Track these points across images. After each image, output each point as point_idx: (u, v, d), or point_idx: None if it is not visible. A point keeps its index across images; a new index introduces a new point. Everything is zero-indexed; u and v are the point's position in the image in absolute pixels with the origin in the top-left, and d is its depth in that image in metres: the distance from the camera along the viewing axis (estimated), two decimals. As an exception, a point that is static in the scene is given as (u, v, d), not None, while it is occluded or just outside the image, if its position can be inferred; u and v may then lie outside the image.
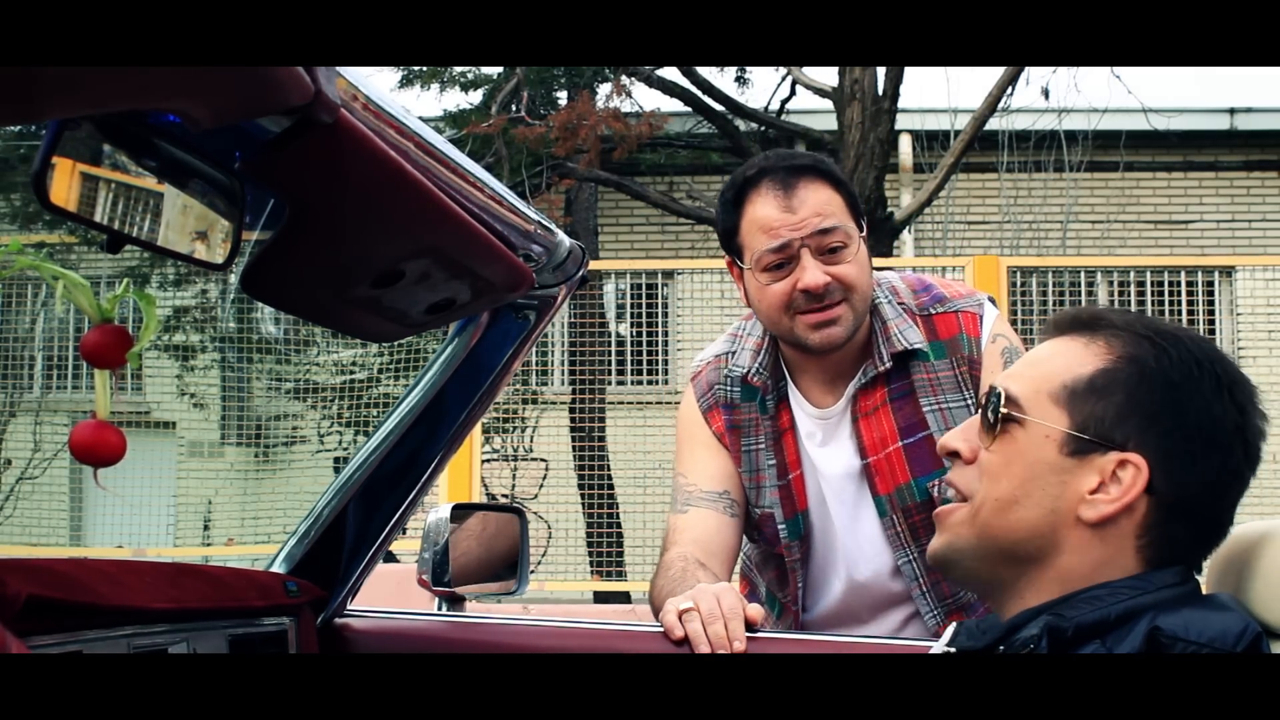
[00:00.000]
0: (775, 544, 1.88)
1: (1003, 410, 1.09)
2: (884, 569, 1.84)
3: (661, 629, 1.57)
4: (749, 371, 1.87)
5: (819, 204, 1.74)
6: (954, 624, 1.22)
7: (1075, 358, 1.09)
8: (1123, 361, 1.07)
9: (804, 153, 1.86)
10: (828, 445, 1.85)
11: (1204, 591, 1.10)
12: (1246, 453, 1.05)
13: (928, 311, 1.83)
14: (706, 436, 1.89)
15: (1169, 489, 1.04)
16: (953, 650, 1.18)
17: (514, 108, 8.68)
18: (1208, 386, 1.05)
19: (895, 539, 1.82)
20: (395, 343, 6.38)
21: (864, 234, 1.79)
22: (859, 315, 1.78)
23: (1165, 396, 1.05)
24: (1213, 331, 6.73)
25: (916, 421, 1.81)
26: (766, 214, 1.74)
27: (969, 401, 1.80)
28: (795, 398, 1.87)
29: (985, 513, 1.09)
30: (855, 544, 1.85)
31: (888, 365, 1.80)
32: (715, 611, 1.52)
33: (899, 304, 1.84)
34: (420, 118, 1.09)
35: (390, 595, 2.28)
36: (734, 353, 1.91)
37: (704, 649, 1.50)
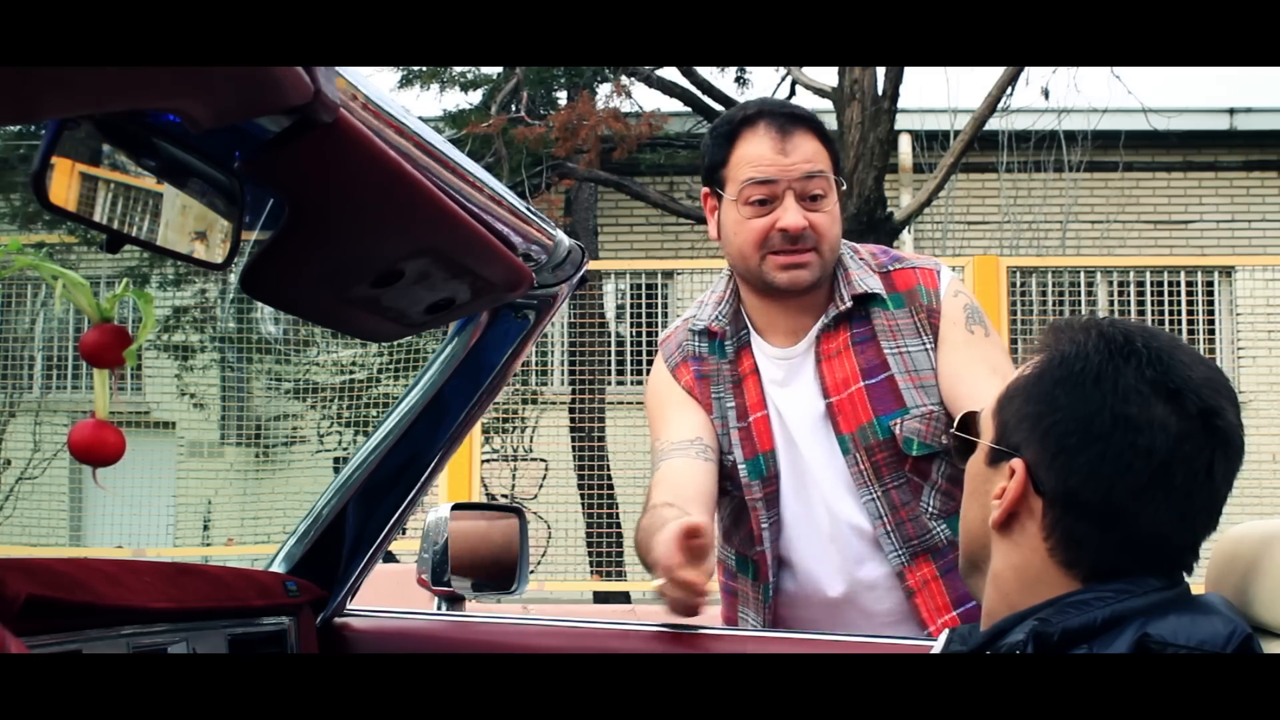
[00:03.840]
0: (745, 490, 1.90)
1: (953, 431, 1.20)
2: (856, 509, 1.87)
3: (659, 628, 1.58)
4: (710, 320, 1.94)
5: (810, 152, 1.84)
6: (947, 630, 1.23)
7: (1019, 370, 1.13)
8: (1030, 367, 1.10)
9: (797, 105, 1.96)
10: (789, 386, 1.90)
11: (1202, 592, 1.09)
12: (1134, 443, 1.02)
13: (886, 269, 1.93)
14: (678, 395, 1.94)
15: (1053, 485, 1.05)
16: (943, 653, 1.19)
17: (514, 108, 8.68)
18: (1089, 378, 1.04)
19: (859, 477, 1.85)
20: (395, 343, 6.38)
21: (842, 190, 1.89)
22: (825, 264, 1.86)
23: (1049, 393, 1.07)
24: (1213, 331, 6.74)
25: (878, 363, 1.87)
26: (760, 151, 1.83)
27: (928, 346, 1.87)
28: (757, 342, 1.93)
29: (960, 531, 1.19)
30: (831, 484, 1.87)
31: (849, 304, 1.88)
32: (667, 560, 1.53)
33: (859, 259, 1.94)
34: (420, 118, 1.09)
35: (390, 595, 2.28)
36: (696, 314, 1.98)
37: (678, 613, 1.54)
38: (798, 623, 1.88)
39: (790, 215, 1.81)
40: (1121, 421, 1.02)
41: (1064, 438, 1.04)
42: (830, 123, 8.20)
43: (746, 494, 1.89)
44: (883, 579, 1.86)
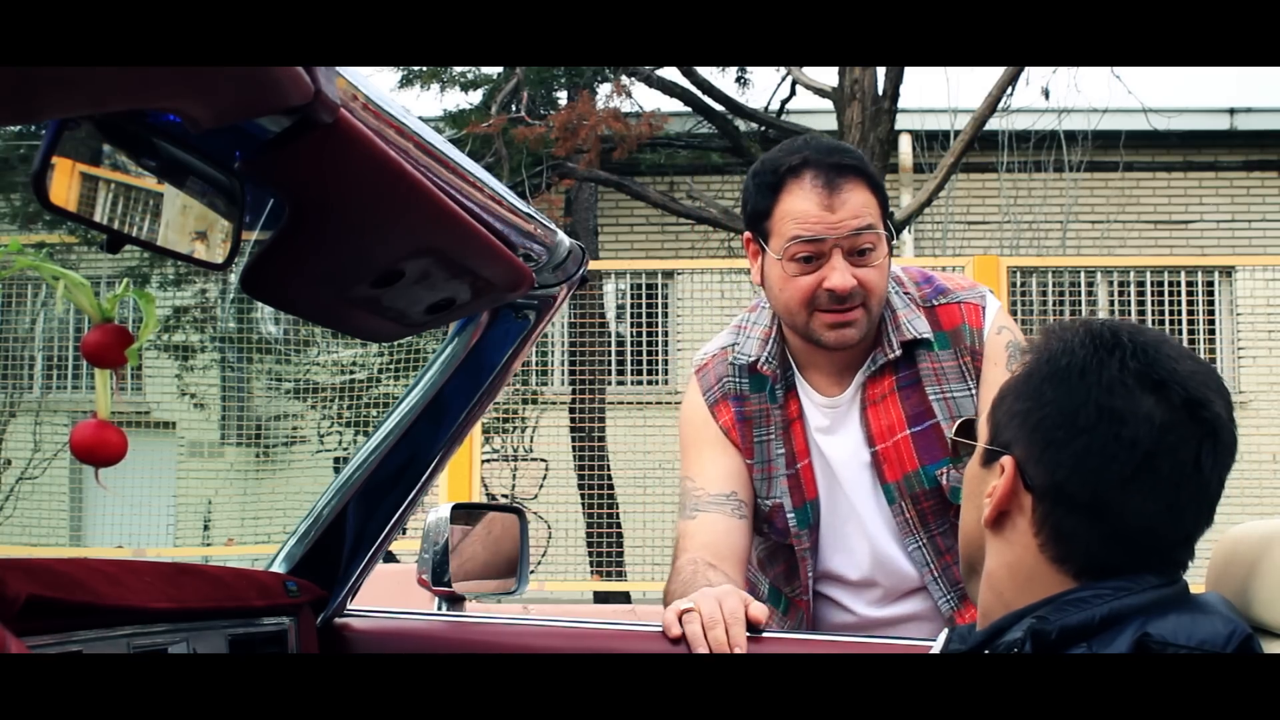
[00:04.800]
0: (786, 535, 1.88)
1: (952, 437, 1.22)
2: (902, 556, 1.86)
3: (660, 629, 1.57)
4: (758, 360, 1.88)
5: (857, 206, 1.75)
6: (946, 629, 1.23)
7: (1012, 373, 1.15)
8: (1021, 367, 1.12)
9: (845, 148, 1.85)
10: (836, 434, 1.87)
11: (1202, 591, 1.09)
12: (1118, 434, 1.02)
13: (931, 303, 1.86)
14: (713, 434, 1.89)
15: (1041, 479, 1.06)
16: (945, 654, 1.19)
17: (514, 108, 8.68)
18: (1074, 372, 1.05)
19: (905, 525, 1.83)
20: (395, 343, 6.38)
21: (891, 237, 1.81)
22: (873, 319, 1.81)
23: (1035, 390, 1.08)
24: (1213, 331, 6.74)
25: (924, 410, 1.83)
26: (806, 208, 1.75)
27: (972, 391, 1.83)
28: (803, 387, 1.88)
29: (959, 540, 1.21)
30: (877, 531, 1.86)
31: (897, 353, 1.83)
32: (716, 615, 1.52)
33: (905, 294, 1.87)
34: (420, 118, 1.09)
35: (390, 595, 2.28)
36: (739, 344, 1.92)
37: (701, 651, 1.50)
38: None
39: (837, 276, 1.73)
40: (1106, 413, 1.03)
41: (1051, 432, 1.05)
42: (830, 123, 8.22)
43: (796, 544, 1.87)
44: (925, 611, 1.86)
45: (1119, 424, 1.02)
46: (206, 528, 7.11)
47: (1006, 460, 1.08)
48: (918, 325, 1.83)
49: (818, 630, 1.91)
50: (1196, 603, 1.04)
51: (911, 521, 1.83)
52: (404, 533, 4.93)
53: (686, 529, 1.84)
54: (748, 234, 1.86)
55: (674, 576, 1.76)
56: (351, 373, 7.43)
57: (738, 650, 1.50)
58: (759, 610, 1.55)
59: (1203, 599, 1.05)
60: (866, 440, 1.84)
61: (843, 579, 1.89)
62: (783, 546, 1.91)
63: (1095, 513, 1.04)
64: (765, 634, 1.56)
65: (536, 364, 7.28)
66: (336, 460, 7.14)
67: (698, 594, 1.58)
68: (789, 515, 1.86)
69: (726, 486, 1.85)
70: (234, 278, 6.03)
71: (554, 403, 7.13)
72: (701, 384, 1.92)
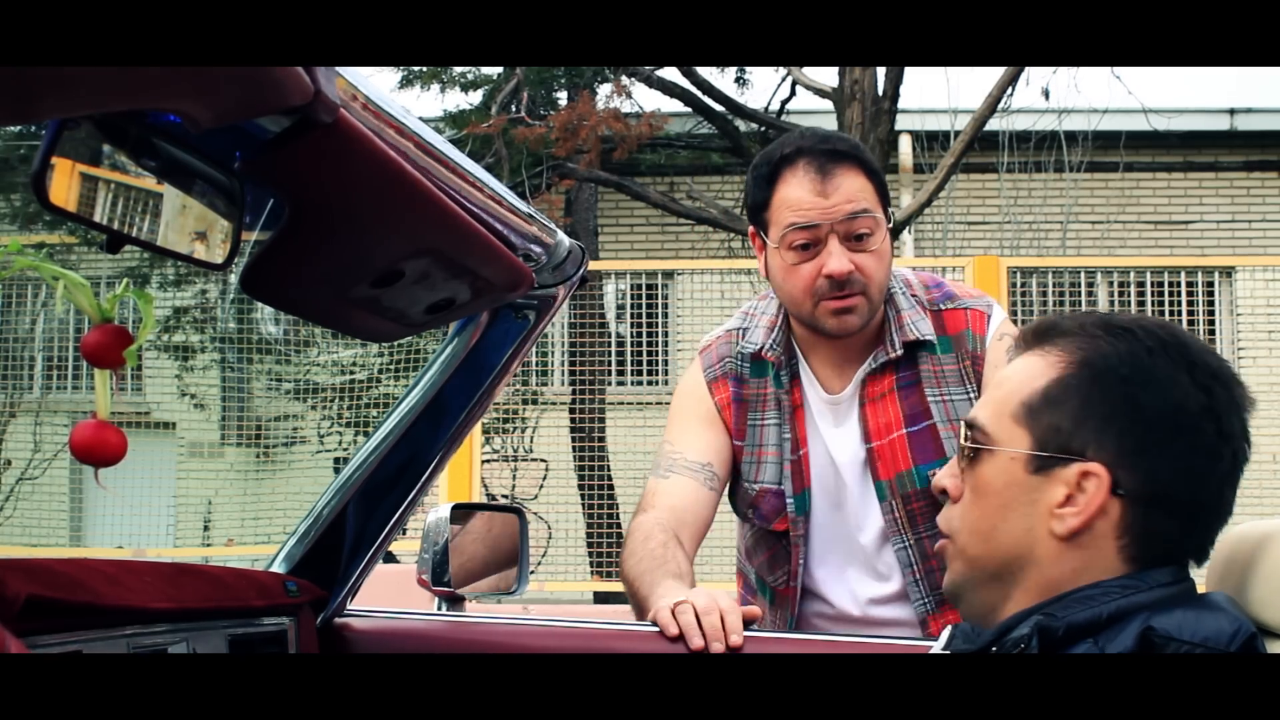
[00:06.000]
0: (771, 520, 1.89)
1: (966, 444, 1.12)
2: (889, 555, 1.87)
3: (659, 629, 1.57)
4: (762, 347, 1.90)
5: (852, 191, 1.77)
6: (949, 627, 1.23)
7: (1032, 372, 1.10)
8: (1074, 366, 1.07)
9: (840, 136, 1.88)
10: (839, 428, 1.89)
11: (1202, 591, 1.09)
12: (1220, 430, 1.03)
13: (938, 307, 1.88)
14: (705, 409, 1.91)
15: (1137, 485, 1.03)
16: (948, 652, 1.18)
17: (514, 108, 8.68)
18: (1162, 373, 1.04)
19: (893, 524, 1.85)
20: (395, 343, 6.38)
21: (890, 224, 1.82)
22: (874, 305, 1.82)
23: (1118, 393, 1.05)
24: (1213, 331, 6.73)
25: (921, 411, 1.84)
26: (799, 195, 1.77)
27: (971, 395, 1.84)
28: (808, 378, 1.91)
29: (968, 546, 1.12)
30: (867, 528, 1.87)
31: (899, 353, 1.84)
32: (712, 605, 1.52)
33: (912, 296, 1.89)
34: (420, 118, 1.09)
35: (390, 595, 2.28)
36: (746, 329, 1.94)
37: (697, 641, 1.49)
38: None
39: (835, 261, 1.75)
40: (1206, 414, 1.04)
41: (1149, 434, 1.03)
42: (830, 124, 8.22)
43: (791, 530, 1.87)
44: (907, 619, 1.86)
45: (1219, 422, 1.04)
46: (206, 528, 7.10)
47: (1097, 469, 1.03)
48: (921, 327, 1.85)
49: (803, 623, 1.91)
50: (1203, 600, 1.04)
51: (900, 521, 1.84)
52: (404, 533, 4.93)
53: (658, 487, 1.86)
54: (751, 229, 1.88)
55: (640, 539, 1.76)
56: (351, 373, 7.43)
57: (734, 639, 1.49)
58: (752, 608, 1.56)
59: (1210, 597, 1.05)
60: (863, 436, 1.86)
61: (830, 572, 1.89)
62: (766, 534, 1.92)
63: (1197, 513, 1.05)
64: (766, 634, 1.56)
65: (536, 364, 7.27)
66: (336, 460, 7.14)
67: (690, 591, 1.58)
68: (789, 500, 1.87)
69: (704, 457, 1.87)
70: (234, 278, 6.02)
71: (554, 403, 7.13)
72: (703, 361, 1.95)
